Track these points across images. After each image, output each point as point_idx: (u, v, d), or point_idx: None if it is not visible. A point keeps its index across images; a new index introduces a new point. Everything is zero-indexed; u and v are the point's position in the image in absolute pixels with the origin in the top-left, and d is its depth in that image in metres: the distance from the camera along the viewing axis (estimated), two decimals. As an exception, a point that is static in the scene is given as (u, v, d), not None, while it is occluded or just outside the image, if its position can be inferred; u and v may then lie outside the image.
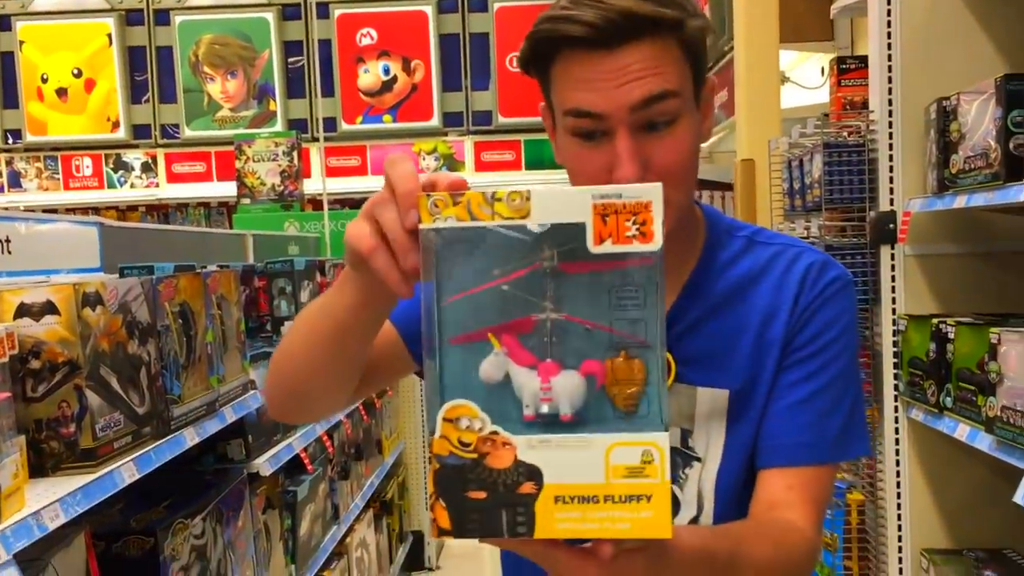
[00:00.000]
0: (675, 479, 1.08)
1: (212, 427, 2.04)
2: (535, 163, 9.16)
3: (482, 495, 0.74)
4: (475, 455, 0.75)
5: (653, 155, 0.99)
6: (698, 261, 1.11)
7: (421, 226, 0.76)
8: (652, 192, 0.73)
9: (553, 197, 0.74)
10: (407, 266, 0.80)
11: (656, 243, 0.73)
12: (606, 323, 0.73)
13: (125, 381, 1.64)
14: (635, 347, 0.73)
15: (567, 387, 0.74)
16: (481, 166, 9.20)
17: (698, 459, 1.09)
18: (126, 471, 1.60)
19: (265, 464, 2.36)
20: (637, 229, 0.73)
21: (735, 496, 1.09)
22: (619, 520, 0.73)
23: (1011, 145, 1.88)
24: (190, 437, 1.90)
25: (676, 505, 1.08)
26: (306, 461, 2.70)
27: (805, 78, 5.97)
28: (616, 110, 0.98)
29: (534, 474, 0.74)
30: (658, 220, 0.73)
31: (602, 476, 0.73)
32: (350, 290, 0.93)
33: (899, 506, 2.45)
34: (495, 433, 0.74)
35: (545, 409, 0.74)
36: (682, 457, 1.09)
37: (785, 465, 1.05)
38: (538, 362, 0.74)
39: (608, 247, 0.73)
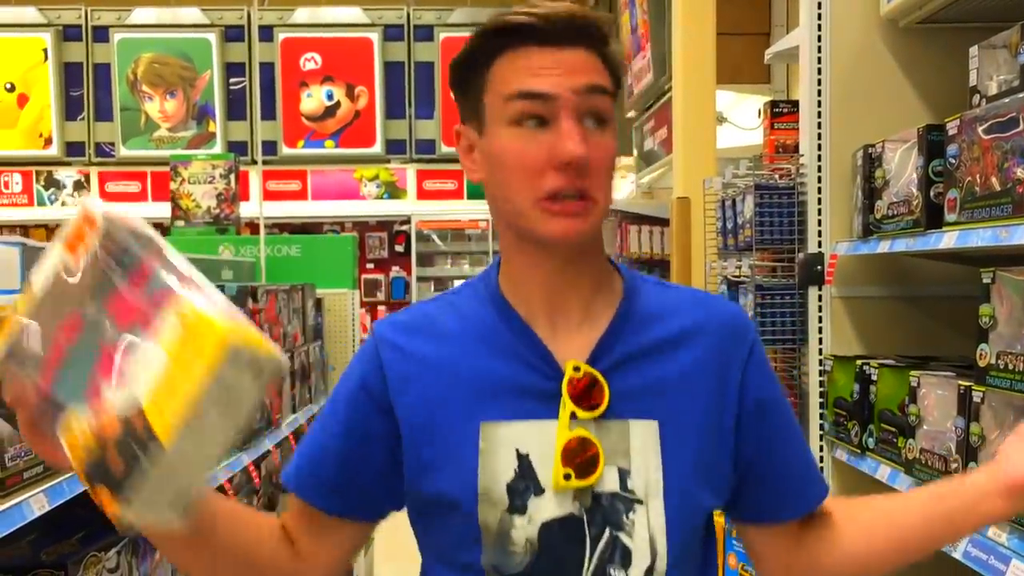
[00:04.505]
0: (621, 527, 1.06)
1: (131, 457, 1.98)
2: (477, 193, 9.18)
3: (120, 463, 0.85)
4: (95, 441, 0.87)
5: (588, 148, 1.03)
6: (620, 302, 1.13)
7: None
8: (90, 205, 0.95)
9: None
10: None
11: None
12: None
13: (38, 409, 1.58)
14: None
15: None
16: (423, 194, 9.21)
17: (639, 501, 1.07)
18: (36, 503, 1.55)
19: (186, 495, 2.30)
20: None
21: (688, 538, 1.09)
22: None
23: (931, 193, 1.93)
24: (106, 467, 1.85)
25: (627, 555, 1.06)
26: (230, 492, 2.64)
27: (743, 119, 6.11)
28: (563, 91, 1.04)
29: (133, 409, 0.86)
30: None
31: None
32: None
33: (822, 544, 2.48)
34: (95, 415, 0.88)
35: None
36: (623, 502, 1.06)
37: (814, 507, 1.17)
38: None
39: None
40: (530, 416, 1.07)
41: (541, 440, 1.06)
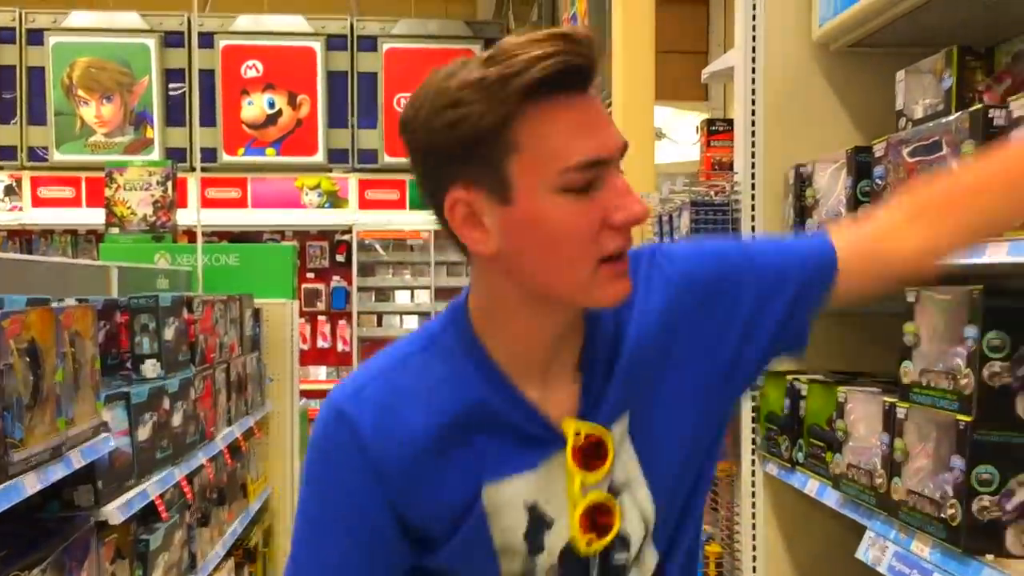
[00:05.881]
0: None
1: (57, 473, 1.94)
2: (420, 203, 9.14)
3: None
4: None
5: None
6: (584, 336, 1.08)
7: None
8: None
9: None
10: None
11: None
12: None
13: (-42, 425, 1.54)
14: None
15: None
16: (365, 204, 9.15)
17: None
18: (-46, 521, 1.51)
19: (116, 511, 2.25)
20: None
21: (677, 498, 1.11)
22: None
23: (859, 213, 1.98)
24: (31, 484, 1.81)
25: (626, 541, 1.07)
26: (161, 508, 2.59)
27: (681, 135, 6.19)
28: (616, 151, 0.97)
29: None
30: None
31: None
32: None
33: (754, 558, 2.52)
34: None
35: None
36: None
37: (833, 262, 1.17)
38: None
39: None
40: (530, 467, 1.04)
41: (546, 485, 1.05)
